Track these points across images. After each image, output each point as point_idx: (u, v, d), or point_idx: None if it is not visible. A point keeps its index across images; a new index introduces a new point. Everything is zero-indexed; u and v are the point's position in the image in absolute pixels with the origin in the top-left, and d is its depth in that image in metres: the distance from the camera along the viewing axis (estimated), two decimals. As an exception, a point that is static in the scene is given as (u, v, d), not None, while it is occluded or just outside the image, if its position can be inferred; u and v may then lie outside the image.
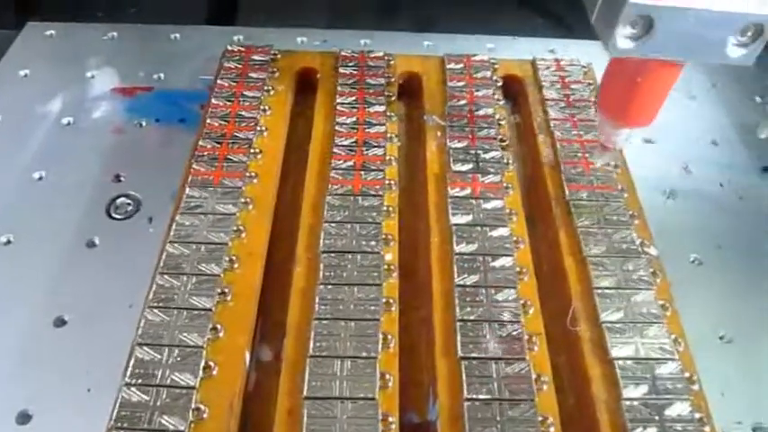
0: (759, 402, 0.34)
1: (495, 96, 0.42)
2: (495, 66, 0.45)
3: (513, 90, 0.45)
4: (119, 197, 0.40)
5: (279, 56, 0.44)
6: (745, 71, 0.53)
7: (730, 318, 0.37)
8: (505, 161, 0.38)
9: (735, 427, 0.33)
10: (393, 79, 0.43)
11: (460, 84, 0.43)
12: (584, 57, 0.47)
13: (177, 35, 0.52)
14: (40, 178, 0.41)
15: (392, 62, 0.44)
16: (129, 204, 0.40)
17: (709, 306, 0.38)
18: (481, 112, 0.41)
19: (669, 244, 0.39)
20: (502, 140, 0.39)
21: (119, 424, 0.27)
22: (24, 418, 0.31)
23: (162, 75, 0.48)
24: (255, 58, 0.43)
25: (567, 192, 0.37)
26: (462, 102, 0.42)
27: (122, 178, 0.41)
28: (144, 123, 0.45)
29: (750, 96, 0.51)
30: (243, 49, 0.44)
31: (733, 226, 0.42)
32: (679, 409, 0.29)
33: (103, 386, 0.30)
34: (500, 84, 0.44)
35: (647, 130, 0.47)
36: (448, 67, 0.44)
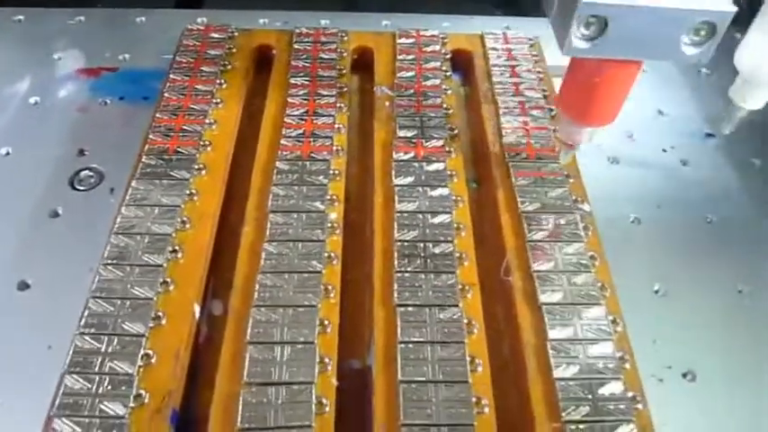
0: (689, 350, 0.36)
1: (443, 68, 0.44)
2: (445, 40, 0.46)
3: (462, 63, 0.47)
4: (82, 170, 0.42)
5: (236, 34, 0.46)
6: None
7: (665, 272, 0.39)
8: (449, 127, 0.40)
9: (665, 371, 0.35)
10: (345, 54, 0.45)
11: (410, 57, 0.45)
12: (537, 33, 0.48)
13: (143, 18, 0.53)
14: (7, 154, 0.43)
15: (345, 38, 0.46)
16: (92, 177, 0.42)
17: (645, 261, 0.40)
18: (428, 83, 0.43)
19: (610, 204, 0.42)
20: (447, 108, 0.41)
21: (72, 369, 0.29)
22: (-11, 373, 0.32)
23: (127, 56, 0.50)
24: (213, 35, 0.45)
25: (506, 154, 0.39)
26: (411, 73, 0.43)
27: (86, 153, 0.43)
28: (108, 101, 0.46)
29: (697, 68, 0.53)
30: (202, 27, 0.46)
31: (674, 188, 0.44)
32: (602, 348, 0.31)
33: (63, 344, 0.31)
34: (449, 56, 0.45)
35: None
36: (399, 41, 0.46)
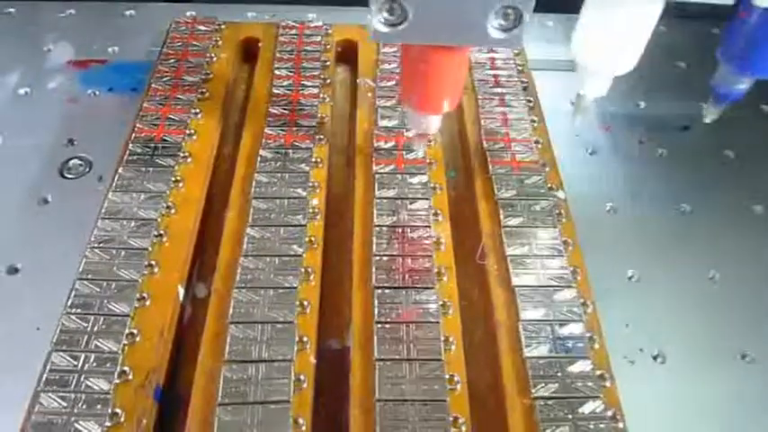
0: (660, 334, 0.37)
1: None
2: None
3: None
4: (71, 159, 0.43)
5: (223, 26, 0.47)
6: (672, 40, 0.56)
7: (639, 260, 0.40)
8: (430, 117, 0.41)
9: (636, 354, 0.36)
10: (330, 46, 0.46)
11: (393, 49, 0.45)
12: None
13: (132, 12, 0.54)
14: (-1, 143, 0.44)
15: (330, 31, 0.47)
16: (81, 165, 0.43)
17: (620, 250, 0.41)
18: (411, 75, 0.44)
19: (587, 194, 0.43)
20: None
21: (58, 347, 0.30)
22: (-23, 353, 0.33)
23: (116, 48, 0.51)
24: (201, 28, 0.46)
25: (484, 143, 0.40)
26: (394, 65, 0.44)
27: (75, 142, 0.44)
28: (97, 93, 0.47)
29: (675, 63, 0.54)
30: (189, 20, 0.47)
31: (649, 177, 0.45)
32: (572, 328, 0.32)
33: (51, 326, 0.32)
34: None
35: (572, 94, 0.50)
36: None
